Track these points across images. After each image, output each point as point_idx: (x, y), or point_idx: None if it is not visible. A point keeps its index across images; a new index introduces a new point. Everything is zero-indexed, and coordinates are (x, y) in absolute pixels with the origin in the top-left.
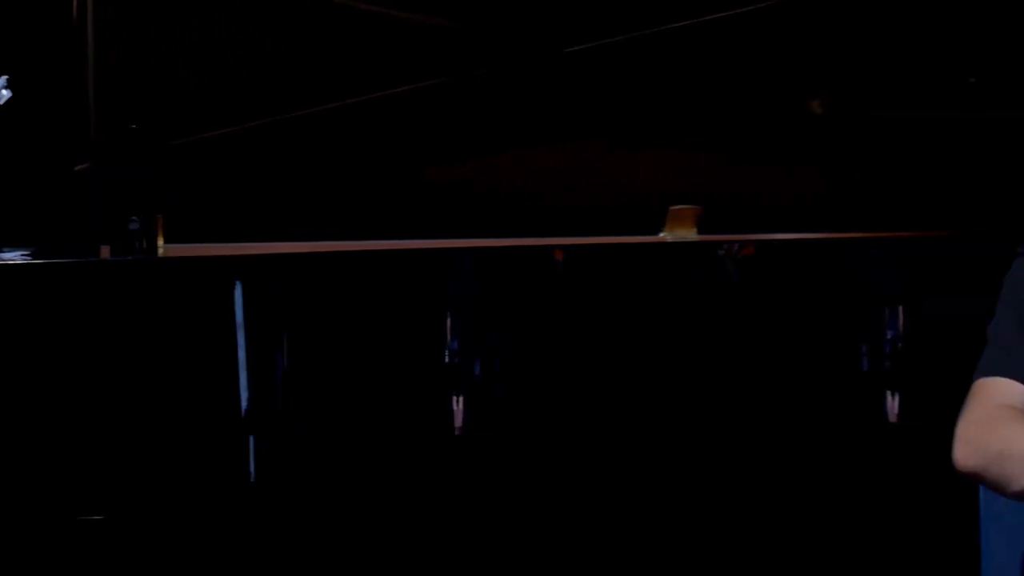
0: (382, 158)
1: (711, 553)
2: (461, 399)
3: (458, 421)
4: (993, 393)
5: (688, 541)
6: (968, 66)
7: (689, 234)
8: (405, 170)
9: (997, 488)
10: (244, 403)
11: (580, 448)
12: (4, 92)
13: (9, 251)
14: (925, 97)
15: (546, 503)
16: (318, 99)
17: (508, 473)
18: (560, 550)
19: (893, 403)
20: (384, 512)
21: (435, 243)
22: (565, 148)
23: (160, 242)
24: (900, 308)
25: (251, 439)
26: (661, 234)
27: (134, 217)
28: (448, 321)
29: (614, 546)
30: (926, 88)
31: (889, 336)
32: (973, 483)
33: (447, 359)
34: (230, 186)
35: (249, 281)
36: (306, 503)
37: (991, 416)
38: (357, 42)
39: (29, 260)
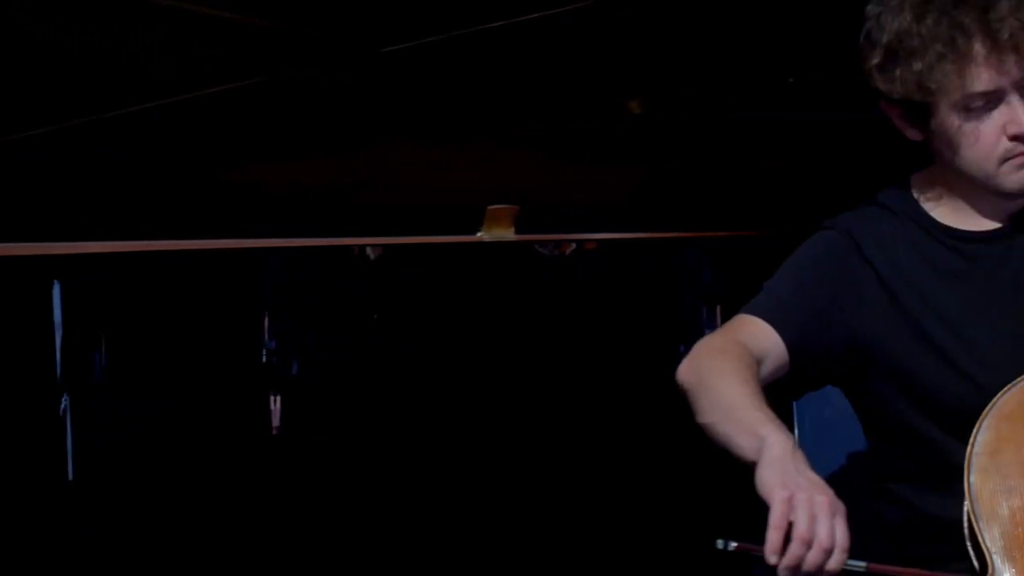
0: (199, 158)
1: (532, 552)
2: (278, 398)
3: (275, 420)
4: (742, 327)
5: (509, 537)
6: (788, 66)
7: (507, 234)
8: (223, 170)
9: (694, 412)
10: (63, 404)
11: (398, 446)
12: None
13: None
14: (744, 97)
15: (362, 500)
16: (131, 99)
17: (325, 471)
18: (376, 548)
19: None
20: (202, 511)
21: (252, 242)
22: (383, 148)
23: None
24: (718, 308)
25: (69, 440)
26: (479, 234)
27: None
28: (265, 321)
29: (434, 542)
30: (745, 88)
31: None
32: None
33: (264, 359)
34: (42, 186)
35: (67, 281)
36: (125, 502)
37: (721, 347)
38: (171, 41)
39: None
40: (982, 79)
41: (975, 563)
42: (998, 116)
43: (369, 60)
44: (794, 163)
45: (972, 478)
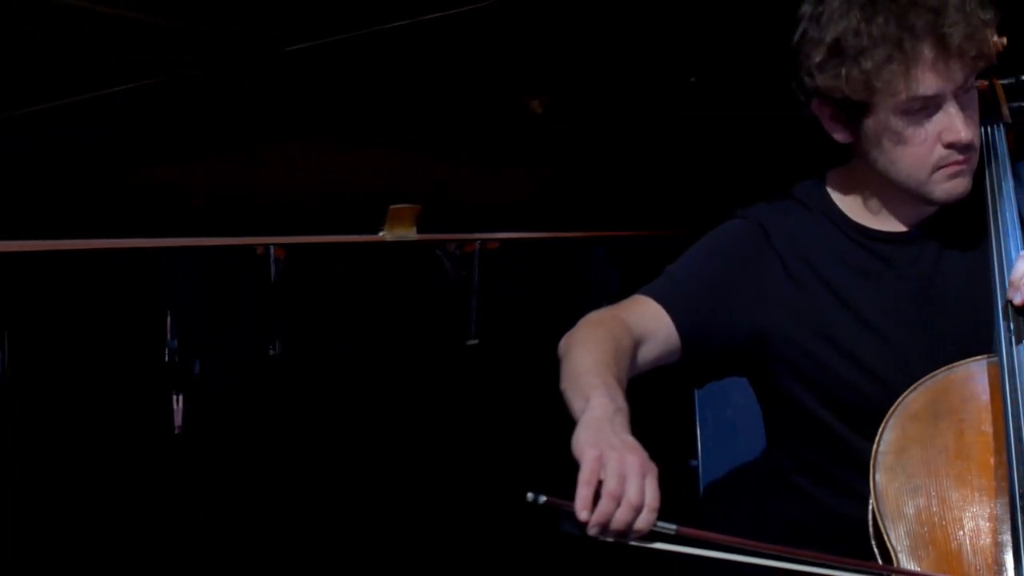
0: (99, 158)
1: (421, 550)
2: (181, 398)
3: (177, 420)
4: (633, 306)
5: (409, 534)
6: (690, 66)
7: (409, 233)
8: (124, 170)
9: None
10: None
11: (299, 444)
12: None
13: None
14: (646, 97)
15: (263, 499)
16: (28, 99)
17: (227, 471)
18: (277, 544)
19: None
20: (102, 510)
21: (153, 242)
22: (284, 147)
23: None
24: None
25: None
26: (381, 233)
27: None
28: (168, 320)
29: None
30: (648, 88)
31: None
32: None
33: (166, 358)
34: None
35: None
36: (24, 503)
37: (597, 319)
38: (68, 39)
39: None
40: (927, 83)
41: (879, 562)
42: (935, 122)
43: (271, 60)
44: (698, 162)
45: (877, 477)
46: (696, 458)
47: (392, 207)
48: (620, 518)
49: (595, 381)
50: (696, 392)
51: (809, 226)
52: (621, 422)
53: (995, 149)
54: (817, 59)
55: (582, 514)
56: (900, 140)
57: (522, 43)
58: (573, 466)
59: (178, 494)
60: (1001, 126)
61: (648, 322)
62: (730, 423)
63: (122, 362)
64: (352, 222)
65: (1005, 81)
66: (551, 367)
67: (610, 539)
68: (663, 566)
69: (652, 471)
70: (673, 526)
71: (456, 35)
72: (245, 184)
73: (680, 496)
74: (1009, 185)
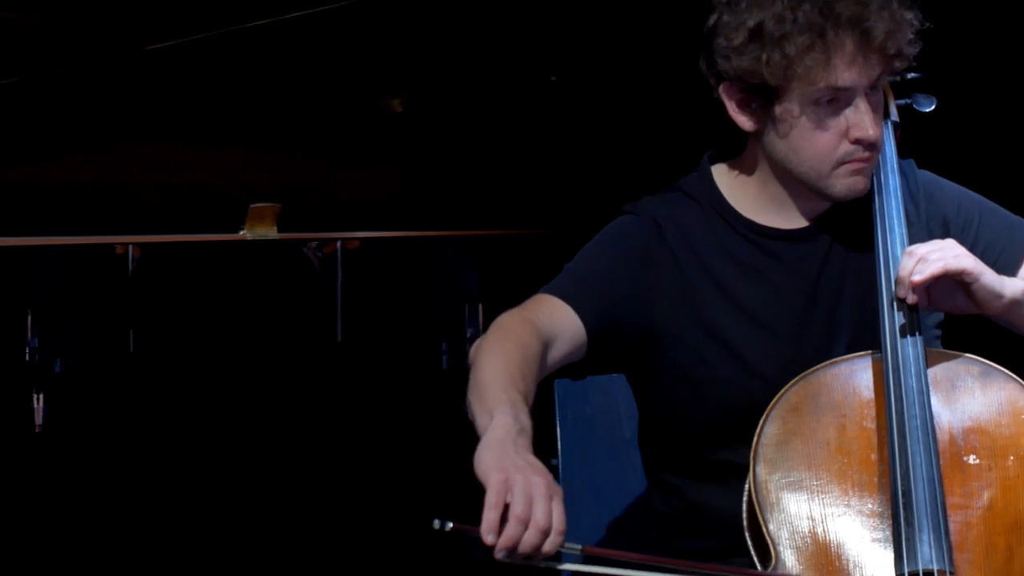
0: None
1: (294, 546)
2: (41, 396)
3: (38, 418)
4: (540, 306)
5: (275, 531)
6: (549, 66)
7: (269, 232)
8: None
9: None
10: None
11: (160, 442)
12: None
13: None
14: (504, 97)
15: (124, 497)
16: None
17: (88, 469)
18: (140, 542)
19: None
20: None
21: (13, 241)
22: (146, 146)
23: None
24: (480, 305)
25: None
26: (241, 232)
27: None
28: (29, 319)
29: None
30: (505, 87)
31: (469, 334)
32: None
33: (27, 357)
34: None
35: None
36: None
37: (506, 324)
38: None
39: None
40: (845, 75)
41: (754, 555)
42: (845, 117)
43: (131, 59)
44: (561, 161)
45: (758, 469)
46: (556, 456)
47: (252, 206)
48: (528, 541)
49: (500, 397)
50: (556, 391)
51: (699, 221)
52: (524, 443)
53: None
54: (736, 42)
55: (488, 538)
56: (808, 130)
57: (383, 42)
58: (433, 463)
59: (39, 492)
60: (888, 124)
61: (556, 322)
62: (589, 420)
63: None
64: (213, 221)
65: (891, 79)
66: (413, 365)
67: (517, 562)
68: None
69: (558, 493)
70: (579, 546)
71: (317, 34)
72: (106, 182)
73: None
74: (895, 182)
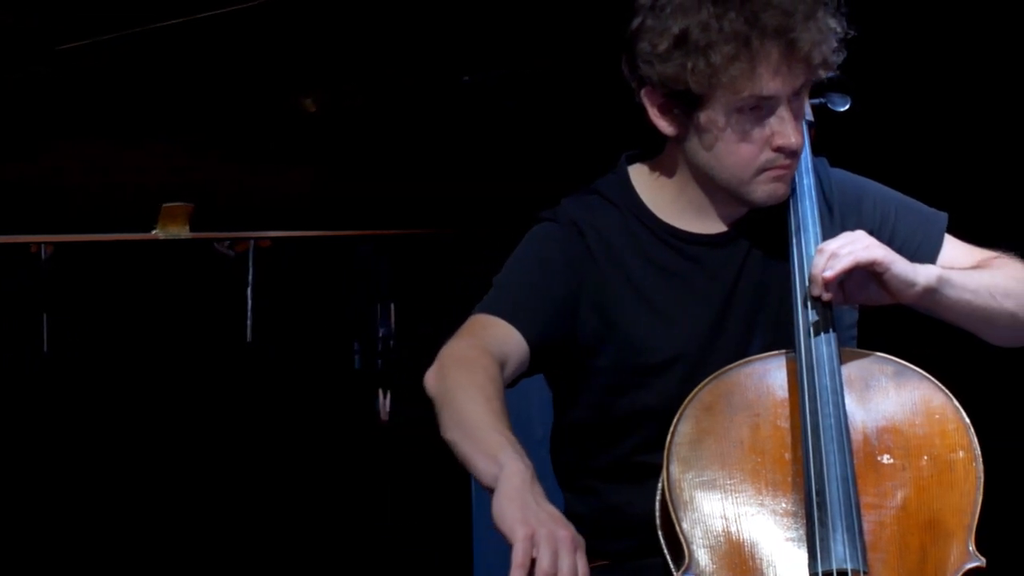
0: None
1: (202, 550)
2: None
3: None
4: (485, 330)
5: (182, 534)
6: (462, 65)
7: (182, 232)
8: None
9: (440, 425)
10: None
11: (68, 442)
12: None
13: None
14: (420, 96)
15: (29, 499)
16: None
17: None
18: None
19: (384, 401)
20: None
21: None
22: (57, 146)
23: None
24: (392, 305)
25: None
26: (154, 231)
27: None
28: None
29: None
30: (421, 87)
31: (381, 334)
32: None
33: None
34: None
35: None
36: None
37: (466, 355)
38: None
39: None
40: (770, 84)
41: (667, 555)
42: (768, 125)
43: (42, 59)
44: (468, 164)
45: (671, 468)
46: None
47: (165, 205)
48: None
49: (498, 440)
50: None
51: (618, 226)
52: (539, 490)
53: None
54: (661, 48)
55: None
56: (731, 138)
57: (295, 41)
58: (344, 462)
59: None
60: (804, 123)
61: (503, 344)
62: None
63: None
64: (126, 220)
65: None
66: (325, 364)
67: None
68: None
69: (581, 545)
70: None
71: (229, 33)
72: (16, 181)
73: (452, 501)
74: (810, 181)
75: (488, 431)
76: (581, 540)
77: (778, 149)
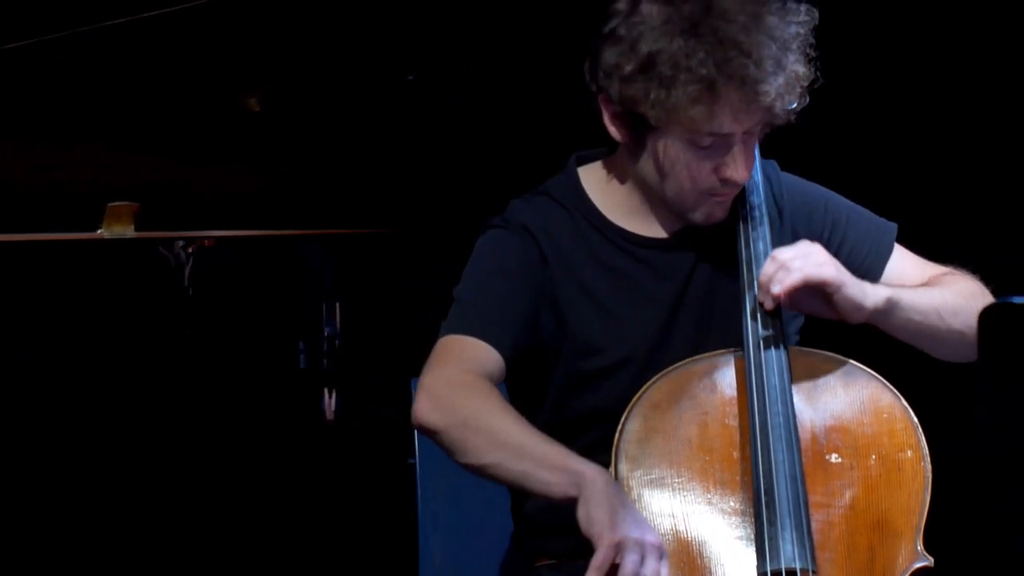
0: None
1: (144, 553)
2: None
3: None
4: (464, 352)
5: (122, 539)
6: (407, 64)
7: (127, 231)
8: None
9: (452, 452)
10: None
11: (15, 444)
12: None
13: None
14: (361, 96)
15: None
16: None
17: None
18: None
19: (330, 401)
20: None
21: None
22: (1, 145)
23: None
24: (337, 304)
25: None
26: (99, 231)
27: None
28: None
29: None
30: (362, 86)
31: (326, 333)
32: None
33: None
34: None
35: None
36: None
37: (462, 380)
38: None
39: None
40: (727, 123)
41: None
42: (717, 158)
43: None
44: (414, 163)
45: (620, 466)
46: (414, 456)
47: (110, 205)
48: None
49: (559, 450)
50: (413, 389)
51: (569, 229)
52: (622, 492)
53: None
54: (626, 69)
55: None
56: (679, 166)
57: (240, 40)
58: (290, 462)
59: None
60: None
61: (484, 363)
62: None
63: None
64: (70, 220)
65: None
66: (270, 364)
67: None
68: None
69: (666, 552)
70: None
71: (174, 32)
72: None
73: (397, 500)
74: (758, 182)
75: (542, 445)
76: (665, 548)
77: (725, 181)
